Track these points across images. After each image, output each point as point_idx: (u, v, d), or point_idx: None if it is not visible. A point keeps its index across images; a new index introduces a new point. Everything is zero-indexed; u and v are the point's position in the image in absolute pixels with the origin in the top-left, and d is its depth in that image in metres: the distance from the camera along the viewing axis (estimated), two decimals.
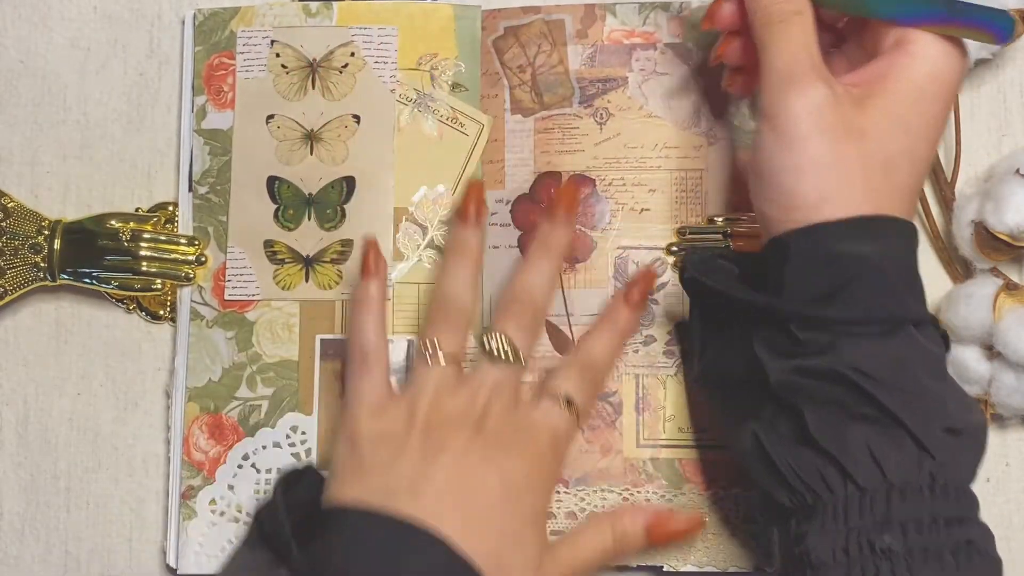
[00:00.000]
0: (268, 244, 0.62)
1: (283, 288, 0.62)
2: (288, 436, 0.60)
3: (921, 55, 0.49)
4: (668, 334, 0.61)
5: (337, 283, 0.62)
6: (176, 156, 0.64)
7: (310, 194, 0.62)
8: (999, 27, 0.50)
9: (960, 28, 0.49)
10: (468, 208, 0.57)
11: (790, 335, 0.48)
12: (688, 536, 0.56)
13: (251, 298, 0.62)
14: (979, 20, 0.49)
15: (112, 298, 0.63)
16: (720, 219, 0.61)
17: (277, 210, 0.62)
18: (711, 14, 0.54)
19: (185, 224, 0.63)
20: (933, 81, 0.49)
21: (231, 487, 0.60)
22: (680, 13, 0.63)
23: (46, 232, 0.61)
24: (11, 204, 0.62)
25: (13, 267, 0.61)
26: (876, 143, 0.48)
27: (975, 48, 0.59)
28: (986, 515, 0.61)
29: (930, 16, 0.49)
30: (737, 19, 0.53)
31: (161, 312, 0.63)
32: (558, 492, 0.60)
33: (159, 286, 0.62)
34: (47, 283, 0.61)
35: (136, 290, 0.62)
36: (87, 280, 0.61)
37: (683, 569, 0.59)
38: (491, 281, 0.62)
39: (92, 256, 0.61)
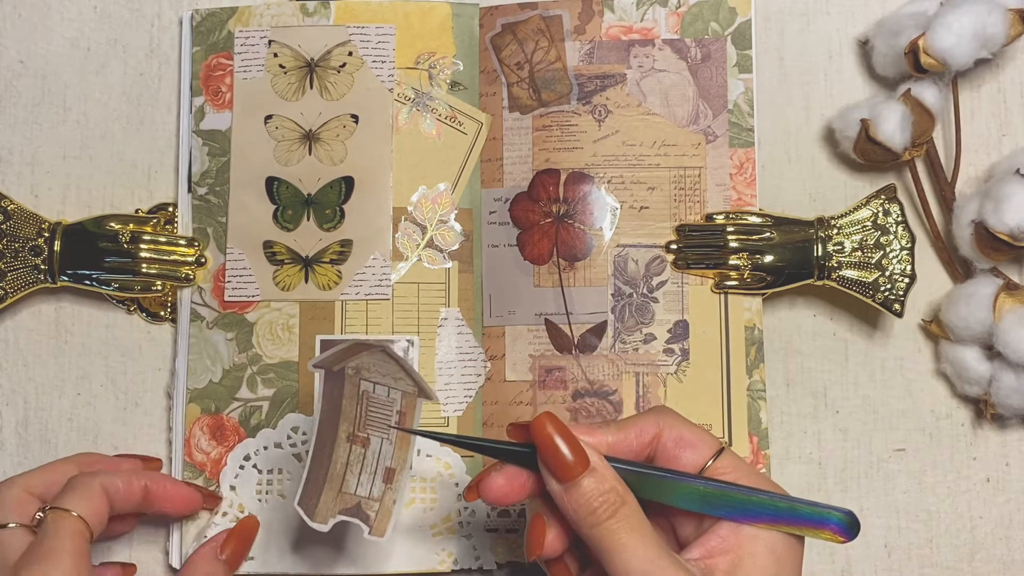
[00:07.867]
0: (267, 245, 0.62)
1: (283, 289, 0.62)
2: (289, 437, 0.61)
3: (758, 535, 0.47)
4: (668, 332, 0.61)
5: (337, 283, 0.62)
6: (175, 157, 0.64)
7: (309, 194, 0.62)
8: (840, 525, 0.47)
9: (795, 527, 0.47)
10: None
11: None
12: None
13: (251, 299, 0.62)
14: (814, 520, 0.47)
15: (112, 299, 0.63)
16: (719, 217, 0.61)
17: (276, 211, 0.62)
18: (533, 547, 0.48)
19: (185, 225, 0.63)
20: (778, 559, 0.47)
21: (233, 488, 0.60)
22: (678, 8, 0.62)
23: (46, 234, 0.61)
24: (11, 207, 0.62)
25: (14, 269, 0.61)
26: None
27: (974, 47, 0.59)
28: (986, 515, 0.61)
29: (758, 517, 0.47)
30: (561, 542, 0.48)
31: (161, 313, 0.63)
32: None
33: (159, 287, 0.62)
34: (48, 285, 0.61)
35: (136, 291, 0.62)
36: (87, 282, 0.61)
37: None
38: (491, 279, 0.62)
39: (92, 258, 0.61)
